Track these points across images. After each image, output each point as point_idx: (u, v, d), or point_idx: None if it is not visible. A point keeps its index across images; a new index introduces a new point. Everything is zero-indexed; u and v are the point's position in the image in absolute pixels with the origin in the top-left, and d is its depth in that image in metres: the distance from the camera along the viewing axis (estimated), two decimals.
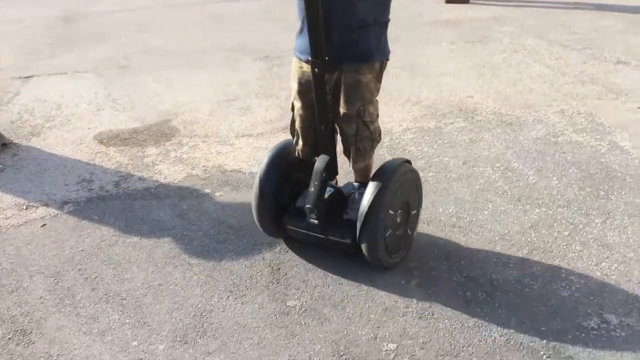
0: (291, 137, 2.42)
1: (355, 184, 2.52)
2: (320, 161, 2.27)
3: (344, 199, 2.42)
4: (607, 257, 2.37)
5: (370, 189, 2.20)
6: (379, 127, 2.30)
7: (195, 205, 2.89)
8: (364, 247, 2.24)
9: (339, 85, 2.17)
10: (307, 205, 2.24)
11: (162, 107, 4.18)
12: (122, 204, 2.93)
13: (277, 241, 2.55)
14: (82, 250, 2.56)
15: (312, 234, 2.33)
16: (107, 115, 4.07)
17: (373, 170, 2.37)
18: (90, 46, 5.81)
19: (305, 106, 2.27)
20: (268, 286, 2.28)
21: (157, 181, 3.14)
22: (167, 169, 3.28)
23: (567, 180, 2.98)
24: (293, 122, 2.37)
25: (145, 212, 2.85)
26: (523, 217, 2.69)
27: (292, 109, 2.35)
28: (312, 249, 2.47)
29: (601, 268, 2.31)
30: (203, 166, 3.29)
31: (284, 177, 2.43)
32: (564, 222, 2.63)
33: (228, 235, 2.63)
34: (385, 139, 3.56)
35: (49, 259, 2.51)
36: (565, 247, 2.45)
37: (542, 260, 2.36)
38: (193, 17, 6.97)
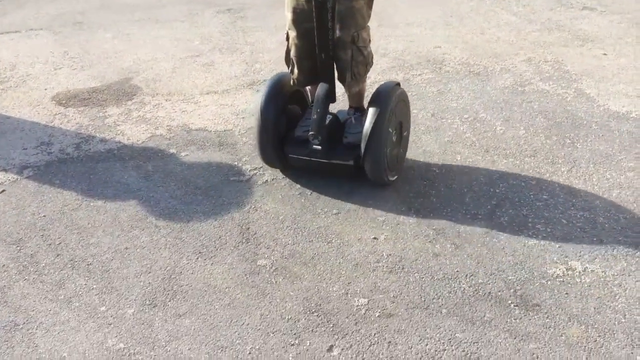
0: (286, 67, 2.50)
1: (350, 110, 2.59)
2: (321, 88, 2.37)
3: (342, 125, 2.54)
4: (573, 205, 2.40)
5: (372, 110, 2.35)
6: (371, 51, 2.42)
7: (161, 166, 2.82)
8: (367, 165, 2.40)
9: (332, 13, 2.23)
10: (311, 132, 2.34)
11: (122, 65, 4.02)
12: (84, 167, 2.84)
13: (246, 200, 2.52)
14: (44, 216, 2.48)
15: (315, 159, 2.46)
16: (65, 75, 3.90)
17: (366, 95, 2.54)
18: (43, 2, 5.52)
19: (300, 35, 2.34)
20: (237, 246, 2.25)
21: (119, 142, 3.05)
22: (129, 129, 3.17)
23: (534, 129, 2.99)
24: (288, 51, 2.44)
25: (108, 174, 2.77)
26: (491, 168, 2.70)
27: (287, 38, 2.43)
28: (282, 204, 2.45)
29: (567, 216, 2.34)
30: (167, 125, 3.20)
31: (282, 108, 2.53)
32: (531, 171, 2.65)
33: (195, 195, 2.58)
34: None
35: (9, 225, 2.43)
36: (532, 196, 2.47)
37: (510, 211, 2.39)
38: None
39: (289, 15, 2.36)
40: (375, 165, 2.39)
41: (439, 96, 3.41)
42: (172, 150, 2.95)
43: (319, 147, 2.41)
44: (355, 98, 2.56)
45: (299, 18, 2.31)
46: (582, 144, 2.84)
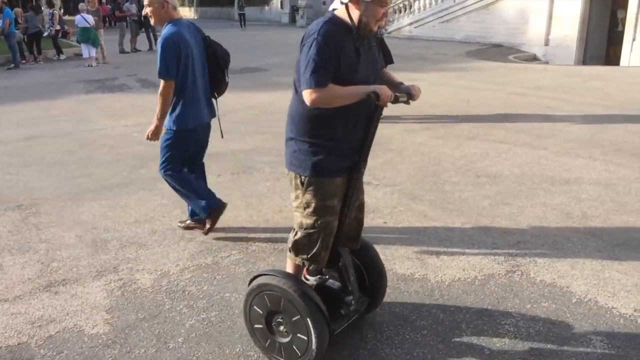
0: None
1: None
2: (348, 255, 2.70)
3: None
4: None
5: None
6: None
7: None
8: None
9: None
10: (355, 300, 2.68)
11: None
12: None
13: None
14: None
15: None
16: None
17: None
18: None
19: (334, 216, 2.58)
20: None
21: None
22: None
23: None
24: (312, 242, 2.57)
25: None
26: None
27: (317, 228, 2.54)
28: None
29: None
30: None
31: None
32: (340, 343, 2.81)
33: None
34: (162, 282, 3.47)
35: None
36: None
37: None
38: None
39: (336, 204, 2.55)
40: None
41: (249, 276, 3.48)
42: None
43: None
44: None
45: (337, 197, 2.55)
46: (381, 308, 3.13)
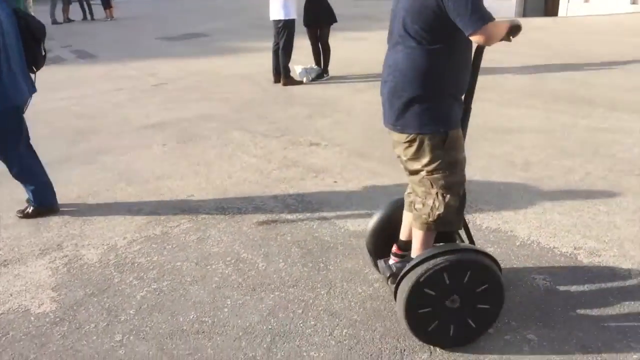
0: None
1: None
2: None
3: None
4: (337, 325, 2.62)
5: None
6: None
7: None
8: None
9: None
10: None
11: None
12: None
13: None
14: None
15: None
16: None
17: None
18: None
19: None
20: None
21: None
22: None
23: (291, 260, 3.24)
24: (462, 198, 2.45)
25: None
26: (260, 305, 2.81)
27: (464, 184, 2.44)
28: None
29: (334, 336, 2.54)
30: None
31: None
32: (295, 301, 2.83)
33: None
34: (110, 256, 3.39)
35: None
36: (301, 325, 2.63)
37: (285, 345, 2.49)
38: None
39: (464, 154, 2.45)
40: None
41: (200, 243, 3.49)
42: None
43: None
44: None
45: None
46: (333, 265, 3.17)
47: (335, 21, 7.97)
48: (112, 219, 3.90)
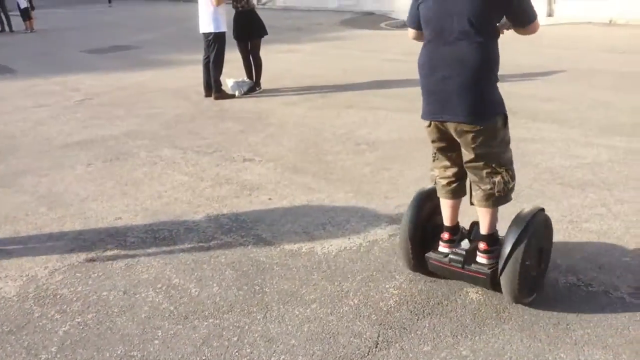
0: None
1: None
2: None
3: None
4: (274, 351, 2.54)
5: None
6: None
7: None
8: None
9: None
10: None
11: None
12: None
13: None
14: None
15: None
16: None
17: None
18: None
19: None
20: None
21: None
22: None
23: (226, 284, 3.14)
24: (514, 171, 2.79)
25: None
26: (194, 334, 2.70)
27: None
28: None
29: None
30: None
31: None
32: (231, 327, 2.73)
33: None
34: (29, 288, 3.17)
35: None
36: (236, 354, 2.54)
37: None
38: None
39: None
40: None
41: (128, 270, 3.32)
42: None
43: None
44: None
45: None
46: (269, 287, 3.09)
47: (266, 34, 7.92)
48: (31, 247, 3.65)
